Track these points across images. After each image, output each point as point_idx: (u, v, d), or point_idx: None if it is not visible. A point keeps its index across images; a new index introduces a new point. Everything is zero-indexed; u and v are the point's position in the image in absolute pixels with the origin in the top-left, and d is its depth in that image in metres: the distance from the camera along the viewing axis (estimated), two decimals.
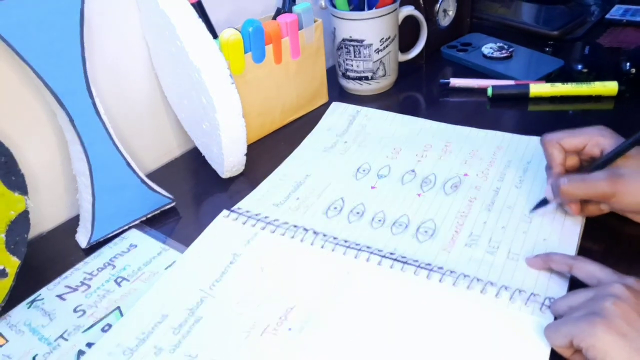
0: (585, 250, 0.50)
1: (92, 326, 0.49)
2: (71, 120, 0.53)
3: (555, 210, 0.54)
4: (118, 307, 0.50)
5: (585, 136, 0.51)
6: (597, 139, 0.51)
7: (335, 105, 0.75)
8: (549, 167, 0.53)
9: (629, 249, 0.50)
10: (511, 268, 0.49)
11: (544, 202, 0.54)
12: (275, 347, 0.44)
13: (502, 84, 0.74)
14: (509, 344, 0.42)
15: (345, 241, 0.53)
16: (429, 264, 0.49)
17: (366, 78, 0.76)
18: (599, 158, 0.51)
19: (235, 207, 0.59)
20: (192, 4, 0.58)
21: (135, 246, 0.57)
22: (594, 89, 0.70)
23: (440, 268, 0.49)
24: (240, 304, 0.48)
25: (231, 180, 0.65)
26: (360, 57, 0.75)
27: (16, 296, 0.51)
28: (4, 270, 0.50)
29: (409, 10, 0.76)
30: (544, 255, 0.48)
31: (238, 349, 0.45)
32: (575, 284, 0.45)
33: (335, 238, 0.53)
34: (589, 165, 0.51)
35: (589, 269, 0.44)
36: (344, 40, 0.74)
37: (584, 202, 0.52)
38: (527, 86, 0.72)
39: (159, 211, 0.60)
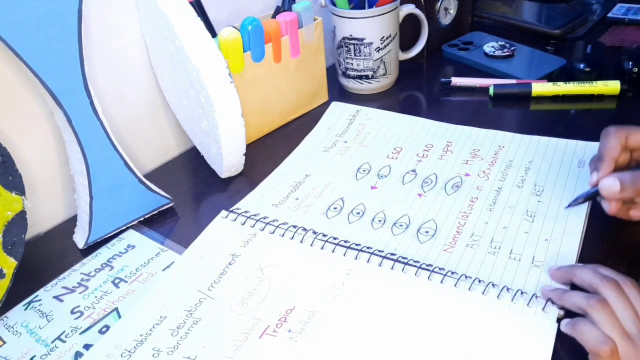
0: (586, 250, 0.50)
1: (89, 328, 0.48)
2: (69, 120, 0.53)
3: (558, 210, 0.53)
4: (116, 309, 0.50)
5: None
6: None
7: (335, 105, 0.75)
8: (597, 159, 0.50)
9: (628, 251, 0.50)
10: (513, 269, 0.48)
11: (588, 198, 0.51)
12: (274, 348, 0.44)
13: (504, 83, 0.74)
14: (511, 345, 0.42)
15: (346, 242, 0.52)
16: (430, 265, 0.49)
17: (367, 77, 0.76)
18: None
19: (234, 208, 0.58)
20: (191, 3, 0.58)
21: (133, 247, 0.56)
22: (596, 88, 0.70)
23: (442, 269, 0.48)
24: (239, 306, 0.48)
25: (230, 180, 0.64)
26: (360, 55, 0.74)
27: (13, 297, 0.51)
28: (0, 271, 0.49)
29: (409, 8, 0.75)
30: (567, 268, 0.46)
31: (237, 351, 0.44)
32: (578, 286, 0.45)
33: (335, 238, 0.53)
34: None
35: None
36: (344, 38, 0.74)
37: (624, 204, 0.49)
38: (529, 85, 0.72)
39: (157, 211, 0.60)
